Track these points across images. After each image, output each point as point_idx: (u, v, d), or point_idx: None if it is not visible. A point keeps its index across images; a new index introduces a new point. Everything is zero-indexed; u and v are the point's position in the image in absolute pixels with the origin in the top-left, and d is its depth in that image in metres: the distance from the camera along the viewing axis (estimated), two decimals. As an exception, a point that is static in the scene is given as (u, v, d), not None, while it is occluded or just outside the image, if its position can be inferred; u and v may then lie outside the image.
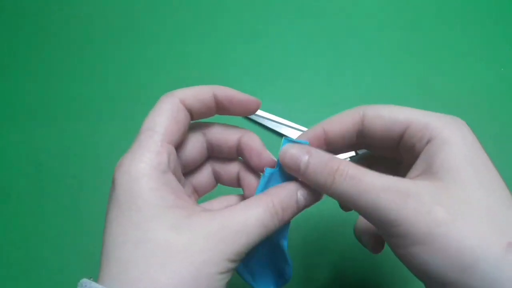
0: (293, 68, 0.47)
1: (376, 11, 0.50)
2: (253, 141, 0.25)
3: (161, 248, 0.19)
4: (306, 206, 0.23)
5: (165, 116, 0.21)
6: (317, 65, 0.47)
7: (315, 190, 0.23)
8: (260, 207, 0.21)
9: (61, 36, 0.49)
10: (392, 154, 0.25)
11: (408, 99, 0.45)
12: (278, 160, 0.23)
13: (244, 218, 0.20)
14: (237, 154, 0.26)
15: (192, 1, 0.51)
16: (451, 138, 0.22)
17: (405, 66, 0.47)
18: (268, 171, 0.24)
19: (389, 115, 0.23)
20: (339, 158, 0.22)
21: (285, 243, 0.24)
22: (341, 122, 0.25)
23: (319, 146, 0.25)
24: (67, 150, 0.42)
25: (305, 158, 0.22)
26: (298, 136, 0.26)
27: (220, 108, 0.24)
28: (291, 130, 0.42)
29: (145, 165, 0.20)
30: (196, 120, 0.24)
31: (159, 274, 0.18)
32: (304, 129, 0.42)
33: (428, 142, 0.22)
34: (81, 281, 0.19)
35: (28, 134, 0.43)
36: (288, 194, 0.22)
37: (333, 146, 0.25)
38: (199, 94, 0.23)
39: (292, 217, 0.22)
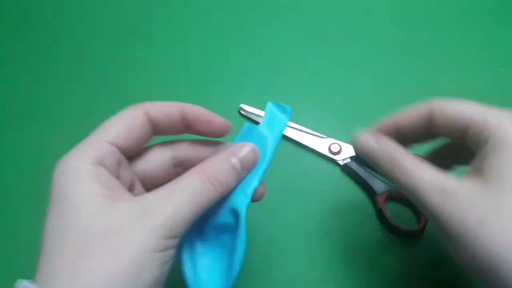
0: (293, 68, 0.47)
1: (376, 11, 0.50)
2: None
3: (81, 235, 0.19)
4: (246, 168, 0.23)
5: (118, 121, 0.22)
6: (317, 65, 0.47)
7: (252, 152, 0.23)
8: (189, 177, 0.21)
9: (61, 36, 0.49)
10: (458, 145, 0.26)
11: (408, 99, 0.44)
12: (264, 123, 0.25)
13: (170, 190, 0.20)
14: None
15: (192, 1, 0.51)
16: (506, 139, 0.21)
17: (405, 66, 0.47)
18: (247, 125, 0.25)
19: (451, 113, 0.24)
20: (401, 150, 0.24)
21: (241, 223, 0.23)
22: (410, 116, 0.26)
23: (389, 137, 0.26)
24: (68, 150, 0.42)
25: (372, 145, 0.25)
26: (371, 129, 0.27)
27: (187, 126, 0.24)
28: (293, 130, 0.42)
29: (76, 159, 0.21)
30: (163, 135, 0.25)
31: (79, 262, 0.18)
32: (306, 129, 0.42)
33: (485, 141, 0.22)
34: (16, 282, 0.19)
35: (29, 134, 0.43)
36: (220, 159, 0.22)
37: (403, 138, 0.26)
38: (165, 108, 0.24)
39: (232, 183, 0.22)
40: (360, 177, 0.38)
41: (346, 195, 0.39)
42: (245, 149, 0.23)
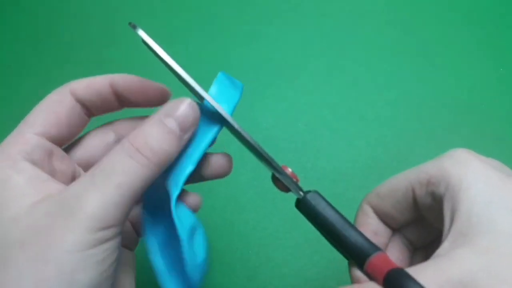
0: (293, 68, 0.47)
1: (375, 11, 0.50)
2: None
3: (1, 243, 0.16)
4: (186, 129, 0.19)
5: (43, 109, 0.20)
6: (317, 65, 0.47)
7: (189, 108, 0.20)
8: (114, 154, 0.18)
9: (61, 36, 0.49)
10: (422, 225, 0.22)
11: (408, 99, 0.45)
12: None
13: (92, 175, 0.17)
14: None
15: (192, 1, 0.51)
16: (463, 183, 0.18)
17: (404, 66, 0.47)
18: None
19: (389, 191, 0.22)
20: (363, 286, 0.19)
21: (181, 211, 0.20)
22: (360, 221, 0.23)
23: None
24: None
25: None
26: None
27: (122, 99, 0.22)
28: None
29: (1, 158, 0.18)
30: (98, 114, 0.22)
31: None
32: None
33: (441, 197, 0.19)
34: None
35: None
36: (151, 123, 0.18)
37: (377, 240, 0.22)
38: (92, 84, 0.21)
39: (173, 150, 0.19)
40: None
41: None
42: (181, 105, 0.19)
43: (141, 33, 0.22)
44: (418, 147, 0.42)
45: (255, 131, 0.43)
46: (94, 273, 0.16)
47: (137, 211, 0.24)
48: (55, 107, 0.20)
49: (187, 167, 0.20)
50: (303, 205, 0.22)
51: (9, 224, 0.17)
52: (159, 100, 0.22)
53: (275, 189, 0.24)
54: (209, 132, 0.21)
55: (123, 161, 0.17)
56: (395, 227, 0.23)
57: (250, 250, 0.38)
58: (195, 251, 0.20)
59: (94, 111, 0.22)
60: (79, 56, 0.48)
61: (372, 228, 0.22)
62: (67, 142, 0.21)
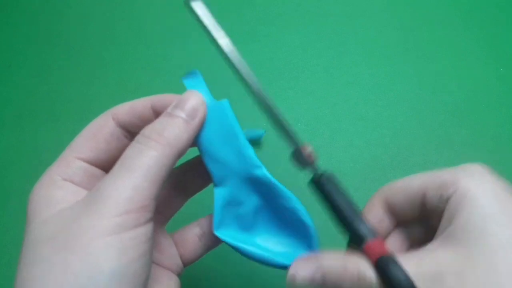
0: (293, 68, 0.47)
1: (375, 11, 0.50)
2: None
3: (31, 243, 0.18)
4: (195, 116, 0.21)
5: (85, 134, 0.22)
6: (317, 65, 0.47)
7: (194, 97, 0.21)
8: (132, 147, 0.19)
9: (61, 36, 0.49)
10: (422, 224, 0.23)
11: (408, 100, 0.45)
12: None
13: (110, 171, 0.19)
14: None
15: (192, 0, 0.51)
16: (470, 190, 0.19)
17: (404, 66, 0.47)
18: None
19: (404, 188, 0.23)
20: (355, 258, 0.20)
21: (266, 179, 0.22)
22: (371, 211, 0.24)
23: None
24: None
25: (318, 276, 0.20)
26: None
27: None
28: None
29: (45, 182, 0.20)
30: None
31: (28, 269, 0.17)
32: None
33: (447, 200, 0.20)
34: None
35: (29, 134, 0.43)
36: (161, 116, 0.20)
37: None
38: (134, 107, 0.22)
39: (185, 136, 0.20)
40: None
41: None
42: (185, 97, 0.21)
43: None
44: (418, 147, 0.42)
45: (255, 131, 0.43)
46: (118, 262, 0.17)
47: (186, 237, 0.25)
48: (95, 133, 0.22)
49: (248, 149, 0.22)
50: (318, 183, 0.23)
51: (39, 226, 0.18)
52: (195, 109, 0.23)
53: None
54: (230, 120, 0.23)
55: (137, 149, 0.19)
56: (399, 221, 0.24)
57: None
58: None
59: (134, 133, 0.22)
60: (79, 56, 0.48)
61: (378, 216, 0.23)
62: (111, 163, 0.22)
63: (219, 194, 0.22)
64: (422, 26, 0.49)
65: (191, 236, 0.25)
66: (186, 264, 0.25)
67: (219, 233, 0.23)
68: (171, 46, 0.48)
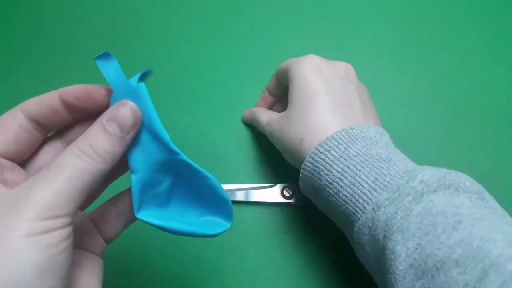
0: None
1: (375, 11, 0.50)
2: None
3: None
4: (127, 129, 0.21)
5: None
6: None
7: (128, 110, 0.21)
8: (63, 155, 0.20)
9: (61, 36, 0.49)
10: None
11: (407, 99, 0.45)
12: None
13: (43, 172, 0.19)
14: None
15: (191, 1, 0.51)
16: (293, 75, 0.33)
17: (404, 66, 0.47)
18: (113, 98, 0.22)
19: (280, 71, 0.38)
20: (258, 109, 0.41)
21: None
22: (273, 82, 0.41)
23: (271, 102, 0.41)
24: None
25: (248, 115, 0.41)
26: (258, 104, 0.43)
27: (72, 110, 0.23)
28: (240, 192, 0.40)
29: None
30: (52, 130, 0.24)
31: None
32: (251, 185, 0.40)
33: (289, 81, 0.34)
34: None
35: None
36: (94, 127, 0.21)
37: (275, 97, 0.41)
38: (42, 99, 0.23)
39: (117, 149, 0.21)
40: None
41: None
42: (122, 109, 0.21)
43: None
44: (418, 147, 0.42)
45: (255, 131, 0.43)
46: (42, 256, 0.17)
47: (104, 217, 0.26)
48: (4, 126, 0.22)
49: (164, 135, 0.22)
50: None
51: None
52: (102, 99, 0.23)
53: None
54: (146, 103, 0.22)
55: (71, 159, 0.19)
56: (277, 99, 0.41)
57: (250, 250, 0.38)
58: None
59: (47, 126, 0.23)
60: (79, 56, 0.48)
61: (269, 100, 0.41)
62: (22, 156, 0.23)
63: (135, 179, 0.23)
64: (422, 26, 0.49)
65: (110, 214, 0.25)
66: (108, 242, 0.26)
67: (140, 216, 0.23)
68: (170, 46, 0.48)
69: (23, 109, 0.22)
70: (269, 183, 0.40)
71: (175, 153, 0.23)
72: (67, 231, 0.19)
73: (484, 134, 0.43)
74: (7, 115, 0.22)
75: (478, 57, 0.47)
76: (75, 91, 0.23)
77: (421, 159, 0.42)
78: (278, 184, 0.39)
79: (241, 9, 0.50)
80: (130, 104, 0.21)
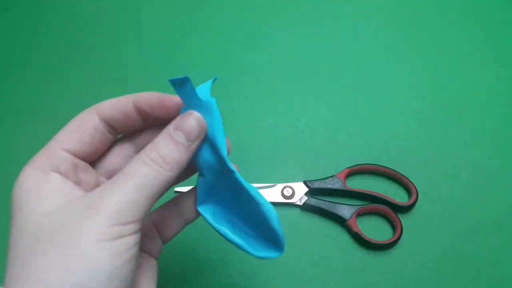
0: (293, 68, 0.47)
1: (375, 11, 0.50)
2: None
3: (30, 236, 0.19)
4: (193, 139, 0.22)
5: (70, 127, 0.23)
6: (317, 65, 0.47)
7: (194, 120, 0.22)
8: (133, 163, 0.20)
9: (61, 36, 0.49)
10: None
11: (407, 99, 0.45)
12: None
13: (115, 180, 0.20)
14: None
15: (192, 2, 0.51)
16: None
17: (404, 66, 0.47)
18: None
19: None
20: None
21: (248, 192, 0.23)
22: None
23: None
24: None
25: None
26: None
27: (145, 116, 0.24)
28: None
29: (30, 171, 0.21)
30: (123, 132, 0.24)
31: (28, 261, 0.18)
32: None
33: None
34: None
35: (30, 133, 0.43)
36: (162, 137, 0.21)
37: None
38: (117, 103, 0.23)
39: (183, 158, 0.21)
40: (324, 210, 0.37)
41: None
42: (189, 119, 0.22)
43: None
44: (418, 147, 0.42)
45: (255, 131, 0.43)
46: (113, 263, 0.18)
47: (164, 218, 0.26)
48: (80, 126, 0.23)
49: (224, 152, 0.23)
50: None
51: (40, 220, 0.19)
52: (175, 108, 0.23)
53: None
54: (215, 115, 0.23)
55: (141, 167, 0.20)
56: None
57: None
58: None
59: (119, 129, 0.24)
60: (79, 56, 0.48)
61: None
62: (94, 156, 0.24)
63: (201, 181, 0.24)
64: (422, 26, 0.49)
65: (170, 214, 0.26)
66: (164, 243, 0.26)
67: (200, 208, 0.24)
68: (171, 47, 0.48)
69: (99, 112, 0.23)
70: (269, 183, 0.40)
71: (230, 171, 0.23)
72: (136, 237, 0.19)
73: (484, 134, 0.43)
74: (83, 116, 0.23)
75: (478, 57, 0.47)
76: (150, 99, 0.23)
77: (421, 159, 0.42)
78: (278, 184, 0.39)
79: (241, 9, 0.50)
80: (196, 114, 0.22)
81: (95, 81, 0.46)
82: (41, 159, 0.21)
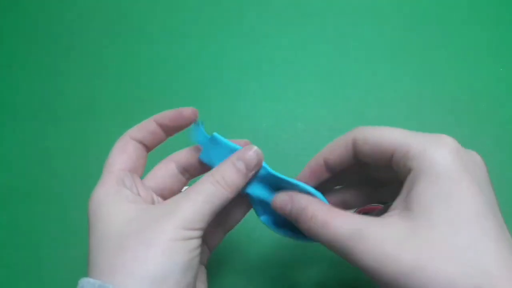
0: (293, 68, 0.47)
1: (375, 11, 0.50)
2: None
3: (116, 237, 0.22)
4: (251, 169, 0.26)
5: (118, 151, 0.27)
6: (317, 65, 0.47)
7: (255, 154, 0.26)
8: (202, 182, 0.25)
9: (61, 36, 0.49)
10: (390, 169, 0.25)
11: (408, 99, 0.45)
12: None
13: (188, 193, 0.24)
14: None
15: (192, 1, 0.51)
16: (430, 165, 0.21)
17: (404, 66, 0.47)
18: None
19: (374, 141, 0.24)
20: (315, 204, 0.24)
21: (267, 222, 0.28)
22: (337, 148, 0.26)
23: (321, 175, 0.27)
24: (69, 149, 0.42)
25: (288, 206, 0.25)
26: (302, 172, 0.28)
27: (166, 129, 0.28)
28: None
29: (103, 189, 0.25)
30: (153, 147, 0.29)
31: (116, 256, 0.22)
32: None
33: (409, 171, 0.21)
34: (80, 280, 0.22)
35: (30, 133, 0.44)
36: (227, 163, 0.26)
37: (336, 170, 0.27)
38: (143, 125, 0.28)
39: (240, 183, 0.26)
40: None
41: None
42: (249, 152, 0.26)
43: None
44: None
45: (255, 131, 0.43)
46: (186, 258, 0.22)
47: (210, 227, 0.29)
48: (123, 150, 0.27)
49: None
50: None
51: (123, 224, 0.23)
52: (191, 116, 0.28)
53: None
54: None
55: (208, 186, 0.25)
56: (364, 167, 0.27)
57: (250, 250, 0.38)
58: None
59: (149, 146, 0.28)
60: (79, 56, 0.48)
61: (319, 175, 0.27)
62: (140, 173, 0.28)
63: (253, 200, 0.28)
64: (422, 26, 0.49)
65: (213, 226, 0.29)
66: (211, 251, 0.30)
67: (263, 219, 0.29)
68: (171, 46, 0.48)
69: (131, 136, 0.28)
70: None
71: (262, 167, 0.27)
72: (200, 241, 0.24)
73: (484, 134, 0.43)
74: (121, 142, 0.28)
75: (478, 57, 0.47)
76: (167, 114, 0.28)
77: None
78: None
79: (241, 9, 0.50)
80: (255, 148, 0.26)
81: (95, 81, 0.46)
82: (108, 178, 0.26)
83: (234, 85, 0.46)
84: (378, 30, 0.49)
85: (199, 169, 0.29)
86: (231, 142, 0.27)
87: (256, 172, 0.27)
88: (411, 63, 0.47)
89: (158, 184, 0.29)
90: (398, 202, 0.22)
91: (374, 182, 0.28)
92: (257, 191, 0.28)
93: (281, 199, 0.26)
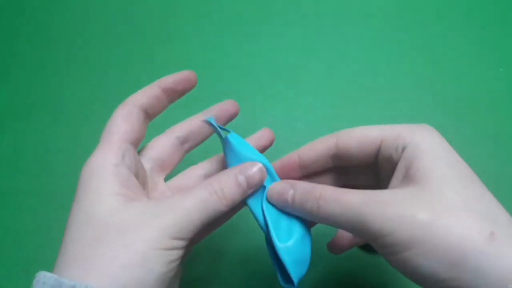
0: (293, 68, 0.47)
1: (375, 11, 0.50)
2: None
3: (98, 227, 0.21)
4: (252, 187, 0.25)
5: (120, 119, 0.25)
6: (317, 65, 0.47)
7: (259, 172, 0.25)
8: (199, 188, 0.23)
9: (61, 36, 0.49)
10: (369, 171, 0.27)
11: (407, 100, 0.45)
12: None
13: (182, 197, 0.23)
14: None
15: (192, 1, 0.51)
16: (423, 142, 0.23)
17: (404, 66, 0.47)
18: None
19: (361, 135, 0.25)
20: (320, 185, 0.24)
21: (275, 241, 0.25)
22: (315, 148, 0.27)
23: (291, 172, 0.27)
24: (68, 149, 0.42)
25: (290, 192, 0.25)
26: (274, 163, 0.27)
27: (169, 94, 0.27)
28: None
29: (100, 160, 0.23)
30: (154, 117, 0.28)
31: (94, 251, 0.20)
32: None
33: (403, 149, 0.23)
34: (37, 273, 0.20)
35: (29, 132, 0.44)
36: (229, 175, 0.24)
37: (308, 171, 0.27)
38: (147, 91, 0.27)
39: (238, 198, 0.24)
40: None
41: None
42: (253, 168, 0.25)
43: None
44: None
45: (255, 131, 0.43)
46: (164, 269, 0.21)
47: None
48: (126, 118, 0.25)
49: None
50: None
51: (108, 213, 0.21)
52: (192, 80, 0.28)
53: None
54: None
55: (205, 195, 0.23)
56: (349, 166, 0.27)
57: (250, 250, 0.38)
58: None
59: (152, 113, 0.27)
60: (79, 56, 0.48)
61: (294, 174, 0.28)
62: (139, 144, 0.27)
63: (265, 212, 0.26)
64: (422, 26, 0.49)
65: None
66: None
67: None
68: (171, 46, 0.48)
69: (135, 103, 0.26)
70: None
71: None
72: (182, 252, 0.22)
73: (484, 134, 0.43)
74: (125, 108, 0.26)
75: (478, 57, 0.47)
76: (172, 77, 0.27)
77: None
78: None
79: (241, 9, 0.50)
80: (259, 165, 0.25)
81: (95, 81, 0.46)
82: (107, 148, 0.24)
83: (233, 85, 0.46)
84: (377, 30, 0.49)
85: (200, 137, 0.29)
86: (244, 147, 0.26)
87: (256, 191, 0.26)
88: (411, 63, 0.47)
89: (158, 153, 0.28)
90: (394, 183, 0.23)
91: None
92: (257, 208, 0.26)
93: (281, 186, 0.25)
